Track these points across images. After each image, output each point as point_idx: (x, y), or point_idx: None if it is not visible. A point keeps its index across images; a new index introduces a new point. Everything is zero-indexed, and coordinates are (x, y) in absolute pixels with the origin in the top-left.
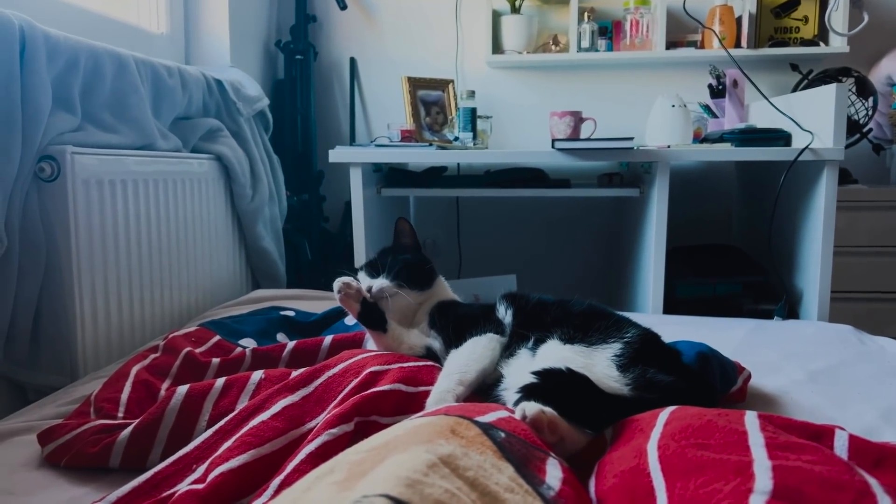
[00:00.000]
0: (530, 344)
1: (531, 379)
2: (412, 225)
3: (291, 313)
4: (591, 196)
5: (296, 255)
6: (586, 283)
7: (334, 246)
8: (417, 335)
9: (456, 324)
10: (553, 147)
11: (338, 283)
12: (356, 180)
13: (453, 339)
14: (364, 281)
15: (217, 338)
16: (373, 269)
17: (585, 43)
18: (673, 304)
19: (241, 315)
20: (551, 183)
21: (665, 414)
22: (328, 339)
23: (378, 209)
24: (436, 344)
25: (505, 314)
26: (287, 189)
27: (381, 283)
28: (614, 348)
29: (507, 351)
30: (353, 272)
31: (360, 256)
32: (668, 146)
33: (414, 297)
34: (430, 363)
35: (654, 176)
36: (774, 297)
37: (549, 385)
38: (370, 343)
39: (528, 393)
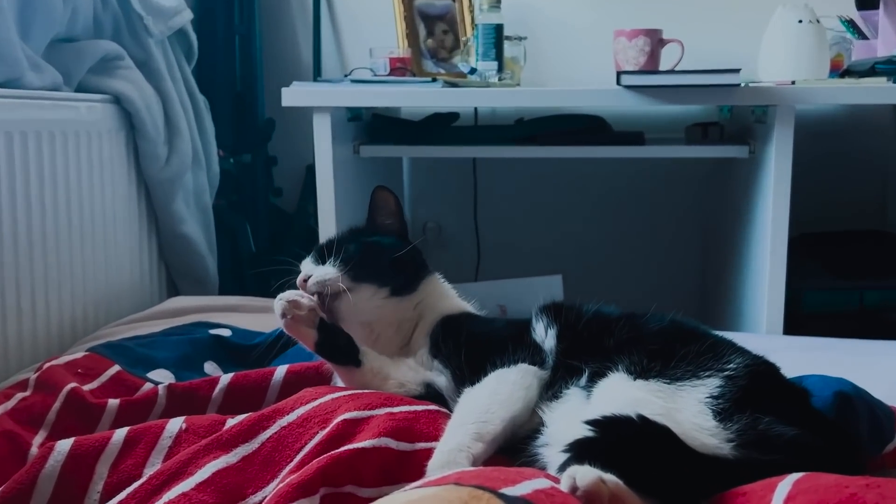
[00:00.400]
0: (583, 380)
1: (585, 431)
2: (398, 198)
3: (226, 332)
4: (676, 158)
5: (233, 245)
6: (667, 287)
7: (290, 232)
8: (411, 367)
9: (471, 349)
10: (619, 84)
11: (281, 301)
12: (323, 133)
13: (467, 373)
14: (304, 269)
15: (116, 368)
16: (320, 256)
17: None
18: (798, 320)
19: (151, 335)
20: (616, 138)
21: (786, 485)
22: (280, 370)
23: (356, 177)
24: (440, 379)
25: (545, 335)
26: (220, 147)
27: (322, 273)
28: (710, 386)
29: (550, 390)
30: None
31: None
32: (793, 82)
33: (382, 301)
34: (431, 407)
35: (770, 127)
36: None
37: (611, 440)
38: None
39: (580, 452)
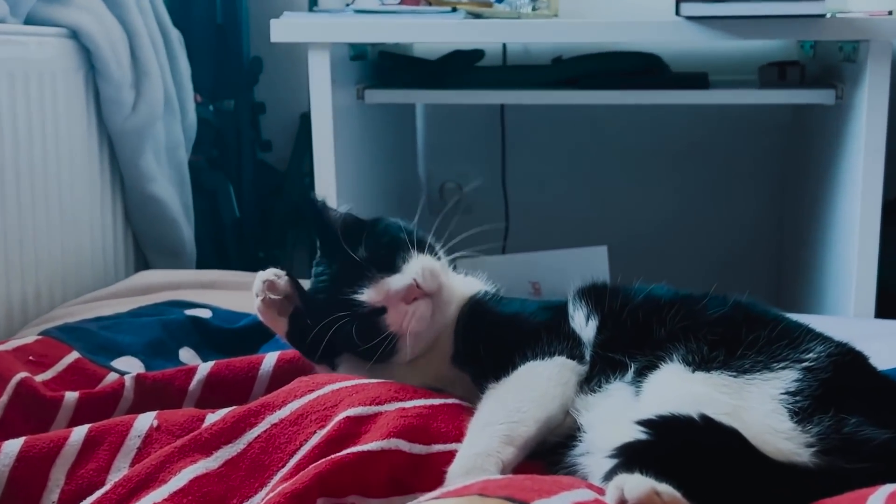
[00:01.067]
0: (630, 373)
1: (636, 433)
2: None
3: (205, 313)
4: (747, 104)
5: (213, 209)
6: (733, 262)
7: (280, 194)
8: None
9: (495, 337)
10: (678, 14)
11: (260, 278)
12: (320, 75)
13: (490, 365)
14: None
15: (74, 356)
16: (381, 257)
17: None
18: (893, 302)
19: (116, 316)
20: (674, 80)
21: (879, 499)
22: (270, 358)
23: (360, 127)
24: (456, 389)
25: (585, 322)
26: (197, 92)
27: (422, 266)
28: (785, 380)
29: (589, 384)
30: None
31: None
32: (890, 12)
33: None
34: (451, 400)
35: (862, 67)
36: None
37: (668, 444)
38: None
39: (630, 458)
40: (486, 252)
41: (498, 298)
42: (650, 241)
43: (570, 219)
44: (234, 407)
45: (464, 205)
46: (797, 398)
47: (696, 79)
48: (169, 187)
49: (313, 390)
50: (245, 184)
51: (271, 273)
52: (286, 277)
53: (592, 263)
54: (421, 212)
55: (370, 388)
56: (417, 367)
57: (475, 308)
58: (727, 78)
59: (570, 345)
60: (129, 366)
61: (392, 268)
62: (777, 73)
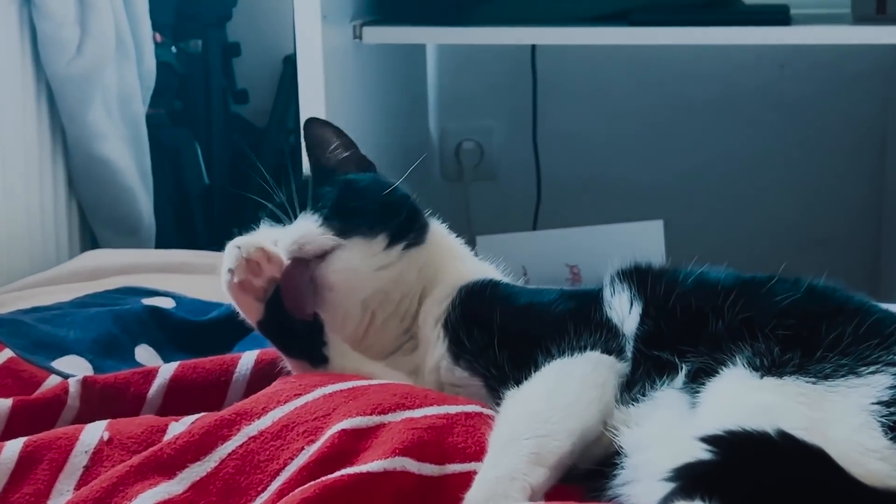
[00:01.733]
0: (681, 377)
1: (697, 451)
2: (337, 128)
3: (168, 303)
4: (836, 45)
5: (177, 174)
6: (817, 241)
7: (259, 155)
8: (413, 373)
9: (511, 333)
10: None
11: (236, 249)
12: (308, 8)
13: (507, 367)
14: (268, 235)
15: (7, 354)
16: (279, 214)
17: None
18: None
19: (58, 307)
20: (747, 15)
21: None
22: (248, 357)
23: (358, 73)
24: (463, 392)
25: (628, 312)
26: (156, 30)
27: (298, 230)
28: (876, 387)
29: (630, 392)
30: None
31: None
32: None
33: (382, 258)
34: (471, 407)
35: None
36: None
37: (737, 466)
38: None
39: (691, 482)
40: (513, 227)
41: (511, 286)
42: (714, 214)
43: (617, 186)
44: (202, 414)
45: (485, 169)
46: (892, 409)
47: (774, 13)
48: (122, 147)
49: (301, 395)
50: (216, 143)
51: (254, 245)
52: (277, 254)
53: (645, 242)
54: (432, 177)
55: (371, 392)
56: (398, 368)
57: (481, 296)
58: (813, 12)
59: (605, 336)
60: (74, 367)
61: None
62: (875, 5)
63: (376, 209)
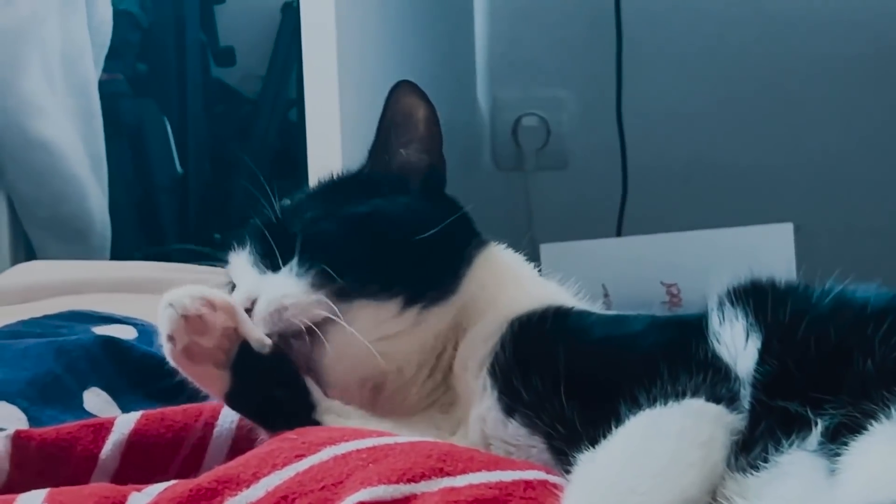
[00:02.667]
0: (817, 435)
1: None
2: (433, 108)
3: (128, 333)
4: None
5: (139, 160)
6: None
7: (250, 135)
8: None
9: (581, 377)
10: None
11: (170, 308)
12: None
13: (578, 421)
14: (241, 280)
15: None
16: (263, 249)
17: None
18: None
19: None
20: None
21: None
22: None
23: (381, 24)
24: (521, 454)
25: (743, 346)
26: None
27: (281, 289)
28: None
29: (748, 454)
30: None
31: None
32: None
33: (396, 323)
34: (531, 473)
35: None
36: None
37: None
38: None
39: None
40: (590, 233)
41: (581, 314)
42: (859, 214)
43: (728, 177)
44: (173, 483)
45: (552, 155)
46: None
47: None
48: (66, 124)
49: (304, 455)
50: (191, 119)
51: (188, 296)
52: (223, 298)
53: (768, 251)
54: (479, 165)
55: (398, 452)
56: (437, 426)
57: (541, 331)
58: None
59: (711, 379)
60: (3, 417)
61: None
62: None
63: (399, 259)
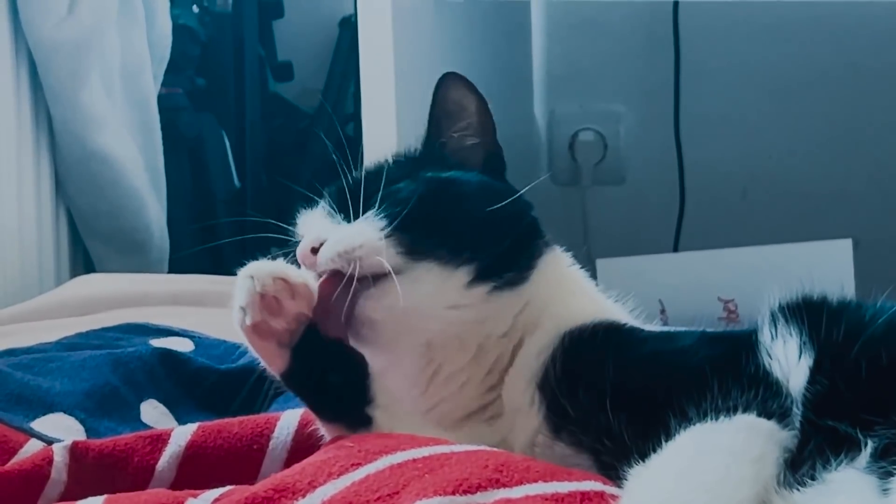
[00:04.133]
0: (866, 455)
1: None
2: (482, 97)
3: (185, 345)
4: None
5: (198, 174)
6: None
7: (306, 149)
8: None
9: (630, 389)
10: None
11: (248, 280)
12: None
13: (626, 435)
14: (312, 228)
15: None
16: (340, 203)
17: None
18: None
19: (41, 349)
20: None
21: None
22: (289, 418)
23: (438, 38)
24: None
25: (793, 362)
26: None
27: (348, 235)
28: None
29: (796, 472)
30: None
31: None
32: None
33: (461, 295)
34: (590, 485)
35: None
36: None
37: None
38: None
39: None
40: (644, 248)
41: (632, 330)
42: None
43: (787, 193)
44: (228, 489)
45: (610, 169)
46: None
47: None
48: (126, 137)
49: (360, 464)
50: (250, 133)
51: (270, 274)
52: (304, 283)
53: (826, 267)
54: (536, 179)
55: (455, 462)
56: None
57: (591, 345)
58: None
59: (762, 395)
60: (61, 428)
61: None
62: None
63: (471, 228)
